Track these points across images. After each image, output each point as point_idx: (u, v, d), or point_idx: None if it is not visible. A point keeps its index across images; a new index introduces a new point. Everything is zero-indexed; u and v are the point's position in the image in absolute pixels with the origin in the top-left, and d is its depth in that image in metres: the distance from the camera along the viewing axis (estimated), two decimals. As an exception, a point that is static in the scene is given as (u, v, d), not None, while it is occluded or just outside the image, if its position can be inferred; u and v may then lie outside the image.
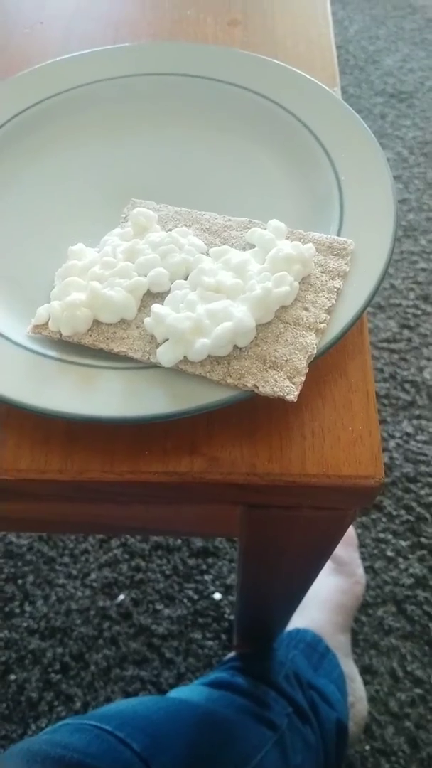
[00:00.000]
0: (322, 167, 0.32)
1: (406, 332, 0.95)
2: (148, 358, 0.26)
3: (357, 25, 1.38)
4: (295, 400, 0.25)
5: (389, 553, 0.78)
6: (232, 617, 0.75)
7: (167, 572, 0.77)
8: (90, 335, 0.27)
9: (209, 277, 0.28)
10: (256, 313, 0.26)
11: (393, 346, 0.94)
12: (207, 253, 0.30)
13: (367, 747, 0.68)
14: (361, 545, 0.79)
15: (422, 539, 0.79)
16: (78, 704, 0.71)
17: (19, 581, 0.77)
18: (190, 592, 0.76)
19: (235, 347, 0.26)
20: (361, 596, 0.73)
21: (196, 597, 0.76)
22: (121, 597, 0.76)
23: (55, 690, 0.71)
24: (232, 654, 0.68)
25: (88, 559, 0.78)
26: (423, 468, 0.83)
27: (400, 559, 0.78)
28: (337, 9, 1.39)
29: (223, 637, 0.74)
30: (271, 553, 0.36)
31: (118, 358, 0.27)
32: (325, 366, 0.28)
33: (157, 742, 0.44)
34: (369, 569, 0.77)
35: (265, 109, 0.35)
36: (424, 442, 0.85)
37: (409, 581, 0.76)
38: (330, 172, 0.32)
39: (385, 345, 0.94)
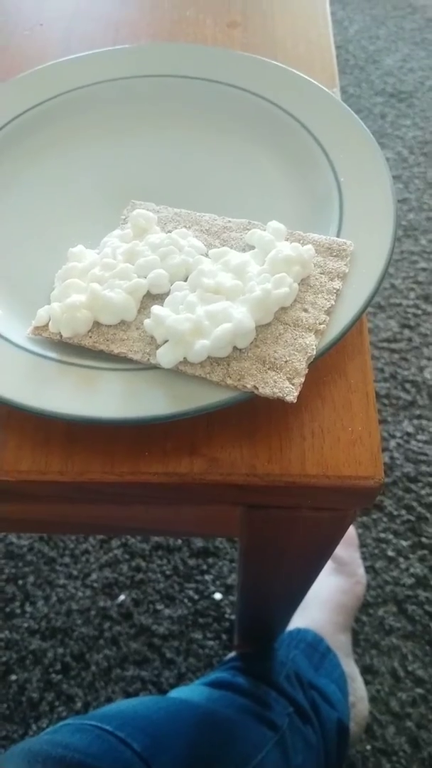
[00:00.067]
0: (321, 168, 0.32)
1: (406, 332, 0.95)
2: (148, 359, 0.27)
3: (357, 25, 1.38)
4: (295, 401, 0.25)
5: (390, 553, 0.78)
6: (232, 617, 0.75)
7: (168, 572, 0.77)
8: (90, 337, 0.27)
9: (209, 279, 0.28)
10: (256, 314, 0.26)
11: (393, 345, 0.94)
12: (206, 255, 0.30)
13: (368, 747, 0.68)
14: (362, 545, 0.79)
15: (423, 539, 0.79)
16: (79, 704, 0.71)
17: (20, 582, 0.77)
18: (191, 592, 0.76)
19: (235, 348, 0.26)
20: (361, 596, 0.73)
21: (196, 597, 0.76)
22: (122, 597, 0.76)
23: (56, 690, 0.72)
24: (232, 654, 0.69)
25: (89, 559, 0.78)
26: (424, 468, 0.83)
27: (401, 559, 0.78)
28: (337, 9, 1.40)
29: (224, 637, 0.74)
30: (271, 554, 0.36)
31: (118, 359, 0.27)
32: (324, 367, 0.28)
33: (158, 742, 0.44)
34: (370, 569, 0.77)
35: (264, 111, 0.35)
36: (425, 442, 0.85)
37: (409, 581, 0.76)
38: (329, 173, 0.32)
39: (385, 345, 0.94)
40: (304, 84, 0.36)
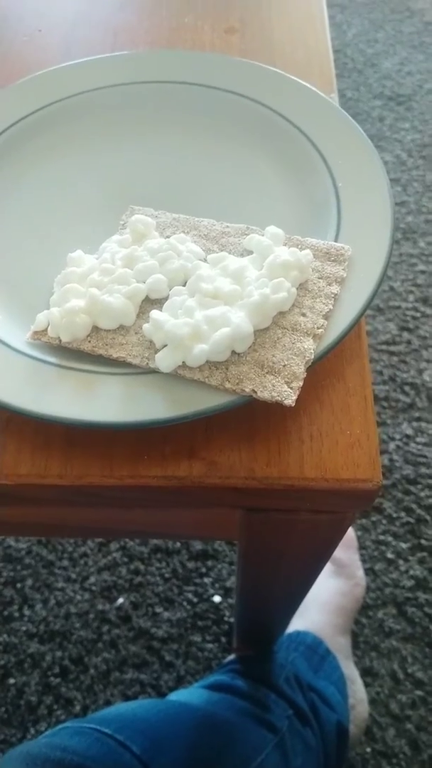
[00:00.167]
0: (319, 174, 0.33)
1: (405, 334, 0.95)
2: (147, 363, 0.27)
3: (355, 28, 1.38)
4: (293, 404, 0.25)
5: (389, 555, 0.78)
6: (231, 620, 0.75)
7: (166, 575, 0.77)
8: (89, 341, 0.28)
9: (207, 284, 0.28)
10: (254, 318, 0.26)
11: (392, 348, 0.94)
12: (205, 260, 0.30)
13: (368, 749, 0.68)
14: (362, 547, 0.79)
15: (422, 541, 0.79)
16: (77, 708, 0.71)
17: (18, 585, 0.77)
18: (190, 595, 0.76)
19: (234, 353, 0.26)
20: (361, 598, 0.73)
21: (195, 600, 0.76)
22: (121, 600, 0.76)
23: (55, 693, 0.71)
24: (231, 657, 0.69)
25: (87, 562, 0.78)
26: (423, 470, 0.84)
27: (401, 561, 0.78)
28: (335, 13, 1.40)
29: (223, 639, 0.74)
30: (270, 557, 0.36)
31: (117, 363, 0.27)
32: (323, 371, 0.28)
33: (157, 745, 0.44)
34: (369, 571, 0.77)
35: (262, 117, 0.35)
36: (424, 444, 0.85)
37: (409, 583, 0.77)
38: (327, 178, 0.32)
39: (384, 347, 0.94)
40: (302, 90, 0.36)
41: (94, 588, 0.77)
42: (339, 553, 0.74)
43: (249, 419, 0.27)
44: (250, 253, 0.30)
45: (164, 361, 0.26)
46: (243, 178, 0.34)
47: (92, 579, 0.77)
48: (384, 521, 0.80)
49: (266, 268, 0.28)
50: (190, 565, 0.78)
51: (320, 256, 0.29)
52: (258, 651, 0.64)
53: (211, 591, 0.76)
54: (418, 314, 0.97)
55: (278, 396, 0.25)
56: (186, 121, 0.37)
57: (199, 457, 0.26)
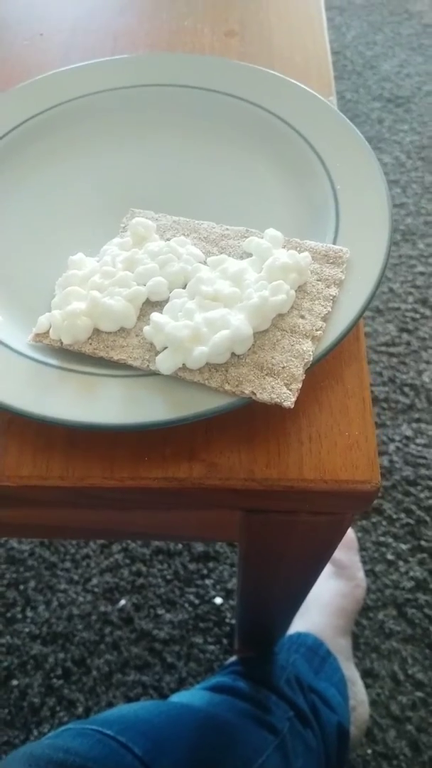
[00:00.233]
0: (318, 176, 0.33)
1: (404, 336, 0.95)
2: (148, 365, 0.27)
3: (354, 30, 1.39)
4: (292, 406, 0.26)
5: (389, 557, 0.78)
6: (233, 621, 0.75)
7: (168, 577, 0.77)
8: (90, 344, 0.28)
9: (207, 286, 0.28)
10: (253, 321, 0.27)
11: (392, 349, 0.94)
12: (205, 262, 0.30)
13: (369, 750, 0.68)
14: (362, 549, 0.79)
15: (422, 542, 0.79)
16: (80, 709, 0.71)
17: (21, 587, 0.77)
18: (191, 597, 0.76)
19: (233, 355, 0.27)
20: (361, 600, 0.73)
21: (197, 601, 0.76)
22: (123, 602, 0.76)
23: (57, 695, 0.72)
24: (233, 658, 0.69)
25: (90, 564, 0.79)
26: (423, 471, 0.84)
27: (401, 563, 0.78)
28: (334, 15, 1.40)
29: (225, 641, 0.74)
30: (270, 558, 0.36)
31: (118, 366, 0.27)
32: (321, 372, 0.28)
33: (159, 747, 0.44)
34: (369, 573, 0.77)
35: (261, 119, 0.36)
36: (424, 446, 0.85)
37: (409, 584, 0.77)
38: (326, 181, 0.32)
39: (384, 349, 0.94)
40: (301, 93, 0.36)
41: (96, 590, 0.77)
42: (339, 554, 0.75)
43: (248, 421, 0.27)
44: (250, 255, 0.30)
45: (164, 363, 0.26)
46: (242, 181, 0.34)
47: (94, 581, 0.77)
48: (384, 523, 0.80)
49: (265, 271, 0.28)
50: (192, 566, 0.78)
51: (319, 259, 0.30)
52: (259, 653, 0.64)
53: (213, 593, 0.76)
54: (418, 315, 0.97)
55: (277, 398, 0.25)
56: (186, 124, 0.37)
57: (199, 458, 0.26)
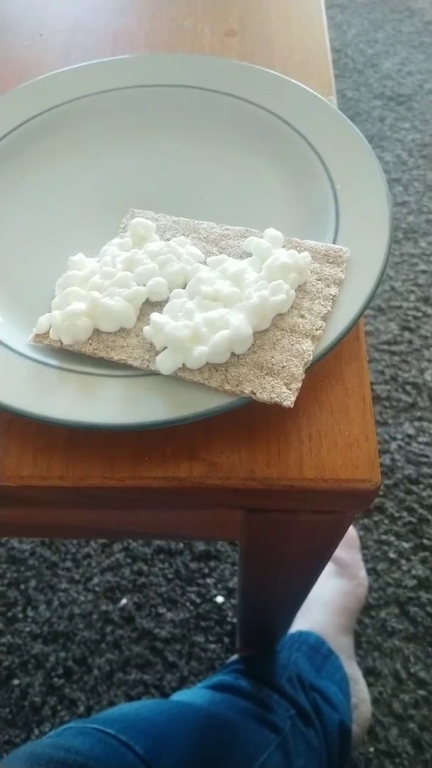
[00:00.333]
0: (318, 176, 0.33)
1: (406, 334, 0.95)
2: (148, 365, 0.27)
3: (355, 28, 1.38)
4: (292, 405, 0.26)
5: (391, 555, 0.78)
6: (234, 620, 0.75)
7: (169, 576, 0.77)
8: (90, 344, 0.28)
9: (207, 286, 0.28)
10: (253, 320, 0.27)
11: (394, 348, 0.94)
12: (205, 262, 0.30)
13: (371, 749, 0.68)
14: (364, 547, 0.79)
15: (424, 541, 0.79)
16: (81, 708, 0.71)
17: (22, 586, 0.77)
18: (193, 596, 0.76)
19: (233, 354, 0.27)
20: (363, 598, 0.73)
21: (198, 600, 0.76)
22: (124, 601, 0.76)
23: (58, 694, 0.72)
24: (234, 657, 0.69)
25: (91, 563, 0.79)
26: (425, 470, 0.84)
27: (403, 561, 0.78)
28: (335, 13, 1.40)
29: (226, 640, 0.74)
30: (271, 557, 0.36)
31: (118, 366, 0.27)
32: (321, 372, 0.28)
33: (160, 745, 0.44)
34: (371, 571, 0.77)
35: (261, 119, 0.36)
36: (426, 444, 0.85)
37: (411, 583, 0.77)
38: (326, 181, 0.32)
39: (385, 347, 0.94)
40: (301, 92, 0.36)
41: (97, 589, 0.77)
42: (341, 553, 0.75)
43: (248, 420, 0.27)
44: (250, 255, 0.30)
45: (164, 363, 0.26)
46: (242, 181, 0.34)
47: (95, 580, 0.78)
48: (386, 521, 0.80)
49: (265, 271, 0.28)
50: (193, 565, 0.78)
51: (319, 258, 0.30)
52: (261, 651, 0.64)
53: (214, 591, 0.77)
54: (420, 314, 0.97)
55: (277, 397, 0.26)
56: (186, 124, 0.37)
57: (199, 458, 0.26)
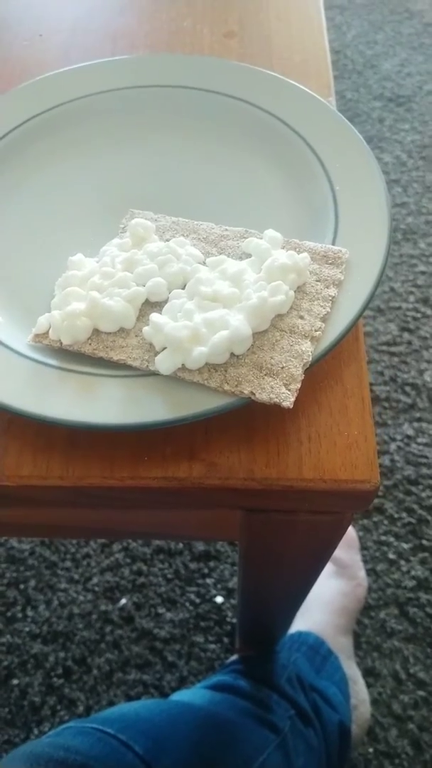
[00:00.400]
0: (317, 177, 0.33)
1: (406, 335, 0.95)
2: (147, 366, 0.27)
3: (355, 30, 1.38)
4: (291, 406, 0.26)
5: (391, 556, 0.78)
6: (234, 620, 0.75)
7: (169, 576, 0.78)
8: (90, 344, 0.28)
9: (206, 287, 0.28)
10: (253, 321, 0.27)
11: (393, 349, 0.94)
12: (204, 263, 0.30)
13: (371, 749, 0.68)
14: (363, 548, 0.79)
15: (424, 541, 0.79)
16: (80, 708, 0.71)
17: (21, 586, 0.77)
18: (192, 596, 0.76)
19: (232, 355, 0.27)
20: (363, 599, 0.74)
21: (198, 600, 0.76)
22: (123, 601, 0.76)
23: (58, 694, 0.72)
24: (234, 657, 0.69)
25: (90, 563, 0.79)
26: (424, 470, 0.84)
27: (402, 562, 0.78)
28: (335, 14, 1.40)
29: (225, 640, 0.74)
30: (270, 557, 0.36)
31: (118, 366, 0.27)
32: (320, 372, 0.28)
33: (160, 745, 0.44)
34: (371, 572, 0.77)
35: (261, 120, 0.36)
36: (425, 445, 0.85)
37: (411, 583, 0.77)
38: (325, 182, 0.32)
39: (385, 348, 0.94)
40: (300, 93, 0.36)
41: (96, 589, 0.77)
42: (340, 553, 0.75)
43: (248, 421, 0.27)
44: (249, 256, 0.30)
45: (164, 364, 0.26)
46: (241, 182, 0.34)
47: (95, 580, 0.78)
48: (385, 522, 0.80)
49: (264, 271, 0.28)
50: (193, 566, 0.78)
51: (318, 259, 0.30)
52: (260, 651, 0.64)
53: (214, 592, 0.77)
54: (419, 315, 0.97)
55: (276, 398, 0.26)
56: (185, 125, 0.37)
57: (198, 458, 0.26)
